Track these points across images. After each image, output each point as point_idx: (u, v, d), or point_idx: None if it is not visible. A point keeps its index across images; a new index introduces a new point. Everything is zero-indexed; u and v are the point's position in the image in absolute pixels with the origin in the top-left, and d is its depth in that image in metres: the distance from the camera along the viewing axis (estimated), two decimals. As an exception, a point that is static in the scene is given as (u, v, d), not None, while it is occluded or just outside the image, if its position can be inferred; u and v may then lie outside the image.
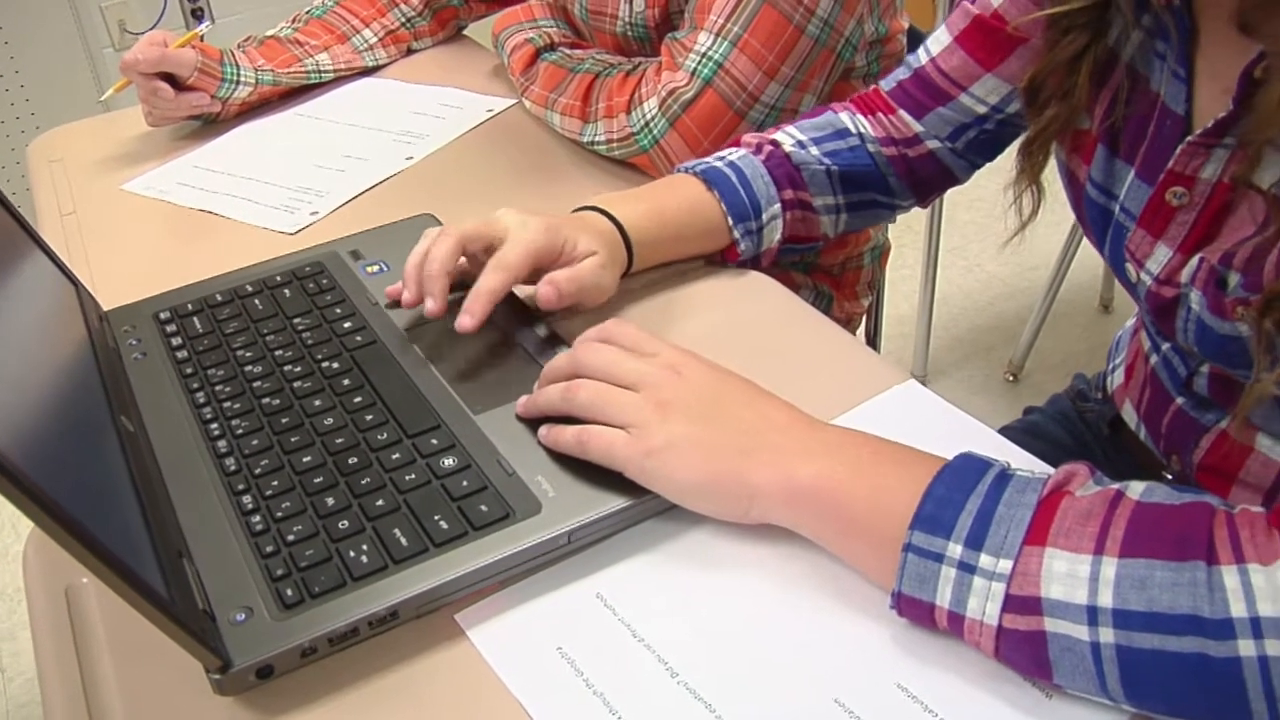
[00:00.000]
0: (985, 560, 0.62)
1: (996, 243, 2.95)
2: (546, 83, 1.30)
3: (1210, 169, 0.75)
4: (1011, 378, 2.52)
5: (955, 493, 0.65)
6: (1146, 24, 0.81)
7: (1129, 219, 0.82)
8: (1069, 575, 0.60)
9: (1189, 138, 0.75)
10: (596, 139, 1.23)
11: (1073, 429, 1.11)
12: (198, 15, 3.12)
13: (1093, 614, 0.59)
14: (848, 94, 1.15)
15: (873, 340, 1.78)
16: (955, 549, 0.63)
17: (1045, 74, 0.85)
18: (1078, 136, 0.88)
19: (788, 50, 1.15)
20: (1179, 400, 0.93)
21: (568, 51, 1.33)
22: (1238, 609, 0.57)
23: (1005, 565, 0.62)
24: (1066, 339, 2.62)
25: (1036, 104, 0.87)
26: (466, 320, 0.86)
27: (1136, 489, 0.64)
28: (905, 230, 2.86)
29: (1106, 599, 0.59)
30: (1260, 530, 0.60)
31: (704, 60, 1.15)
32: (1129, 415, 1.03)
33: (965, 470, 0.66)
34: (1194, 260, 0.77)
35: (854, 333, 1.58)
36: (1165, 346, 0.94)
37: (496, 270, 0.88)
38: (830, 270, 1.47)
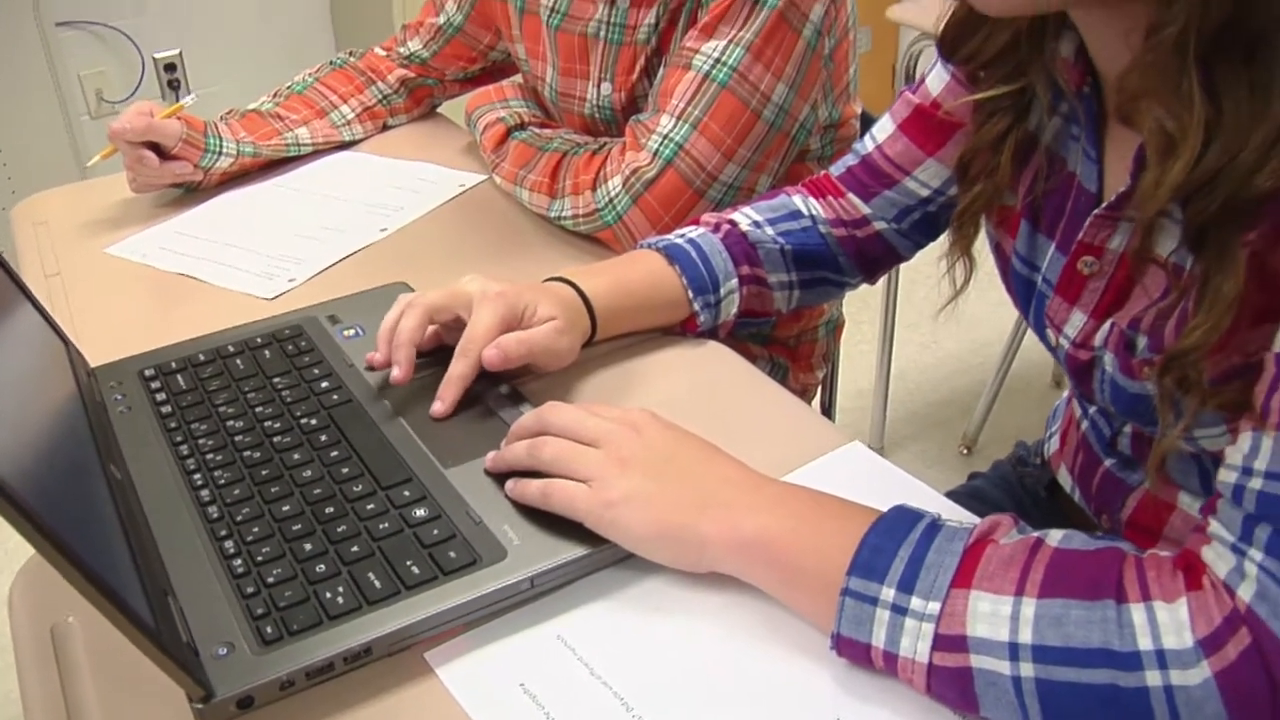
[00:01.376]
0: (916, 603, 0.68)
1: (953, 321, 3.03)
2: (516, 160, 1.36)
3: (1116, 240, 0.82)
4: (966, 450, 2.59)
5: (888, 541, 0.70)
6: (1063, 110, 0.88)
7: (1049, 288, 0.89)
8: (992, 615, 0.66)
9: (1096, 211, 0.82)
10: (563, 214, 1.29)
11: (1013, 493, 1.17)
12: (174, 86, 3.19)
13: (1014, 650, 0.65)
14: (803, 175, 1.22)
15: (828, 410, 1.84)
16: (888, 593, 0.68)
17: (973, 153, 0.93)
18: (1003, 212, 0.95)
19: (745, 133, 1.22)
20: (1107, 462, 0.99)
21: (537, 131, 1.40)
22: (1144, 643, 0.63)
23: (934, 607, 0.67)
24: (1019, 413, 2.70)
25: (966, 180, 0.94)
26: (439, 406, 0.93)
27: (1055, 536, 0.70)
28: (863, 307, 2.93)
29: (1026, 636, 0.65)
30: (1165, 572, 0.66)
31: (666, 141, 1.22)
32: (1064, 478, 1.09)
33: (898, 521, 0.72)
34: (1106, 325, 0.84)
35: (809, 403, 1.63)
36: (1092, 410, 1.00)
37: (462, 356, 0.94)
38: (786, 342, 1.53)
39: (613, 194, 1.23)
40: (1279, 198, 0.67)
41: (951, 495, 1.05)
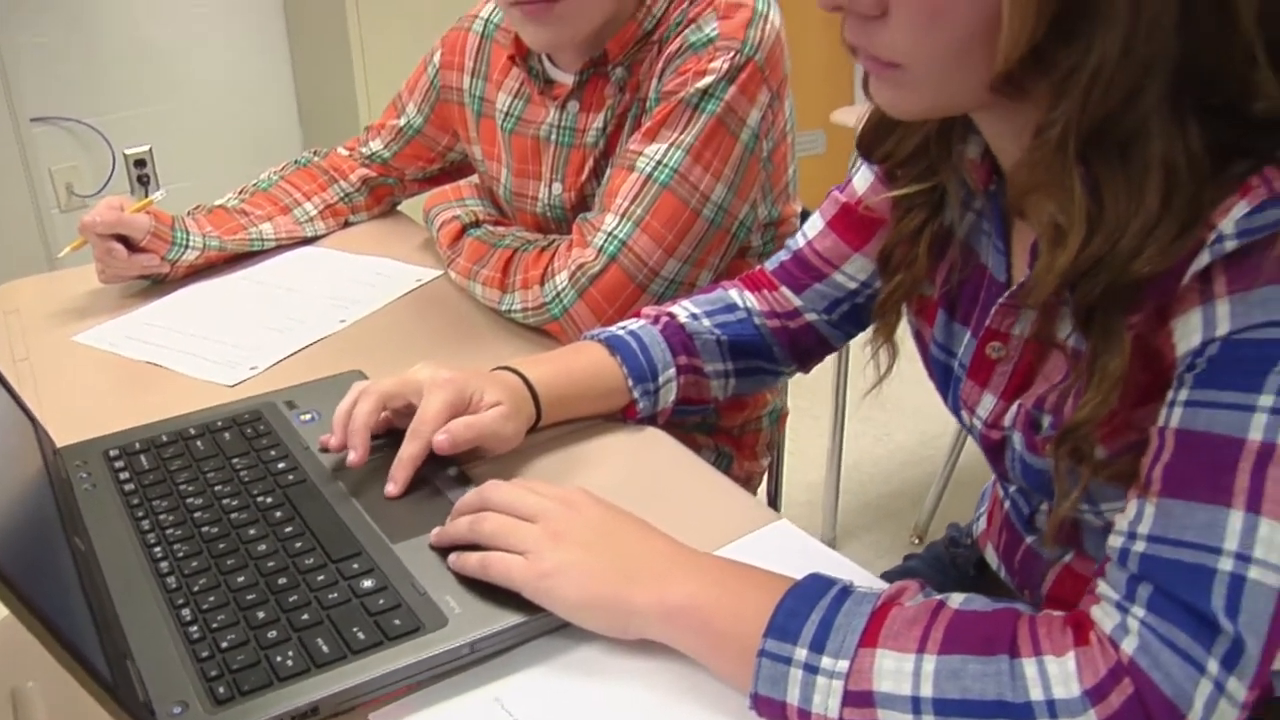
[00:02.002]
0: (826, 661, 0.73)
1: (905, 413, 3.11)
2: (470, 256, 1.43)
3: (1020, 326, 0.89)
4: (917, 540, 2.65)
5: (802, 605, 0.76)
6: (975, 206, 0.96)
7: (964, 372, 0.96)
8: (896, 671, 0.72)
9: (1000, 299, 0.90)
10: (513, 307, 1.35)
11: (944, 572, 1.23)
12: (143, 181, 3.27)
13: (916, 704, 0.71)
14: (745, 270, 1.29)
15: (774, 498, 1.89)
16: (801, 653, 0.74)
17: (893, 246, 1.01)
18: (922, 302, 1.02)
19: (685, 231, 1.29)
20: (1028, 539, 1.06)
21: (491, 228, 1.47)
22: (1036, 694, 0.69)
23: (843, 665, 0.73)
24: (968, 502, 2.74)
25: (887, 271, 1.02)
26: (392, 488, 0.99)
27: (957, 599, 0.76)
28: (816, 401, 3.01)
29: (927, 690, 0.70)
30: (1056, 629, 0.72)
31: (610, 238, 1.29)
32: (990, 557, 1.15)
33: (812, 587, 0.78)
34: (1014, 406, 0.91)
35: (754, 491, 1.69)
36: (1012, 490, 1.07)
37: (413, 439, 1.00)
38: (731, 432, 1.59)
39: (560, 288, 1.30)
40: (1157, 282, 0.74)
41: (886, 576, 1.12)
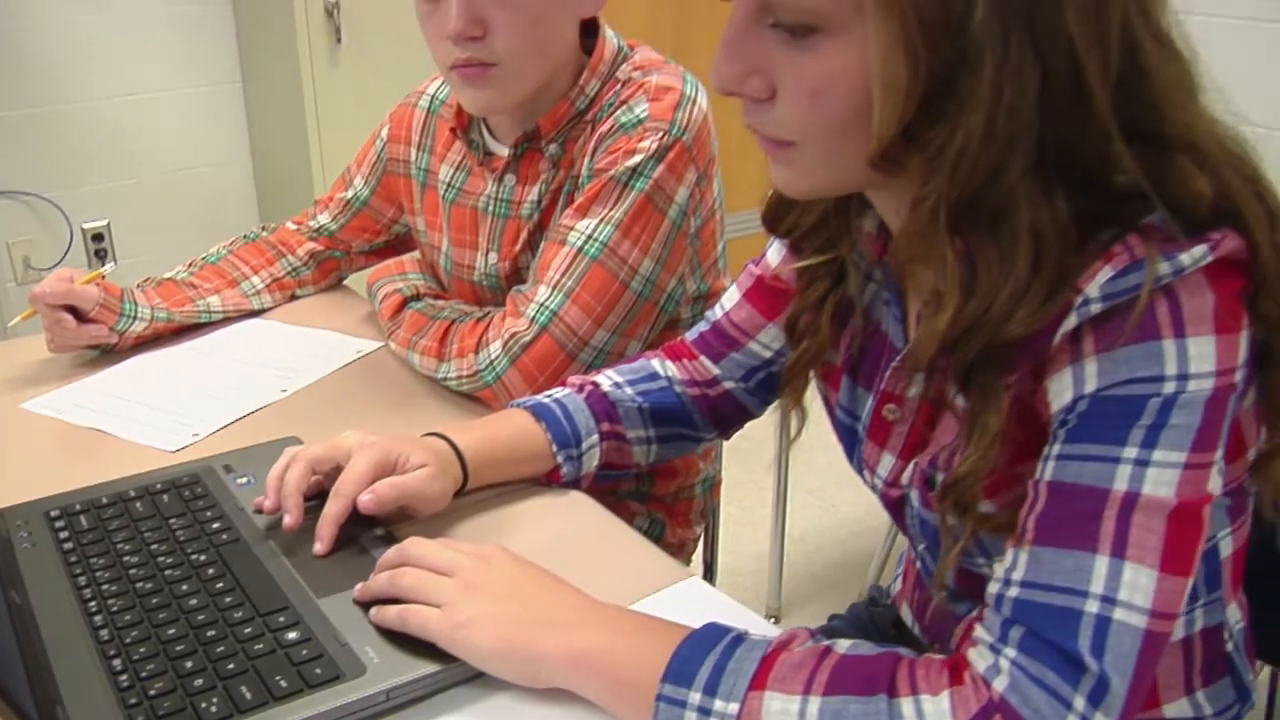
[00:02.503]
0: (719, 704, 0.79)
1: (850, 485, 3.17)
2: (410, 327, 1.49)
3: (914, 389, 0.96)
4: (859, 610, 2.70)
5: (698, 651, 0.82)
6: (876, 277, 1.03)
7: (864, 434, 1.02)
8: (783, 712, 0.77)
9: (892, 363, 0.96)
10: (449, 375, 1.41)
11: (864, 631, 1.29)
12: (100, 255, 3.31)
13: None
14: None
15: (710, 566, 1.94)
16: (695, 696, 0.79)
17: (798, 314, 1.08)
18: (828, 369, 1.09)
19: (614, 303, 1.36)
20: (939, 596, 1.11)
21: (431, 301, 1.53)
22: None
23: (734, 707, 0.78)
24: (908, 575, 2.82)
25: (794, 339, 1.09)
26: (319, 547, 1.04)
27: (843, 644, 0.82)
28: (763, 472, 3.07)
29: None
30: (933, 670, 0.78)
31: (541, 309, 1.35)
32: (906, 615, 1.21)
33: (708, 634, 0.84)
34: (910, 465, 0.97)
35: (689, 558, 1.74)
36: (921, 548, 1.13)
37: (336, 498, 1.05)
38: (664, 499, 1.64)
39: (493, 356, 1.36)
40: (1030, 344, 0.80)
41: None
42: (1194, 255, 0.77)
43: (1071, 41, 0.76)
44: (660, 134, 1.37)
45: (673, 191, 1.39)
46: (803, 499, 3.07)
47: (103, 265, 3.24)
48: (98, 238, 3.36)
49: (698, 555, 1.81)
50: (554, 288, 1.36)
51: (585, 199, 1.39)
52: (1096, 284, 0.77)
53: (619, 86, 1.45)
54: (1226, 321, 0.78)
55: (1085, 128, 0.78)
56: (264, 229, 1.78)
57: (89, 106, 3.29)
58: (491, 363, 1.36)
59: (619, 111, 1.41)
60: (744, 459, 3.04)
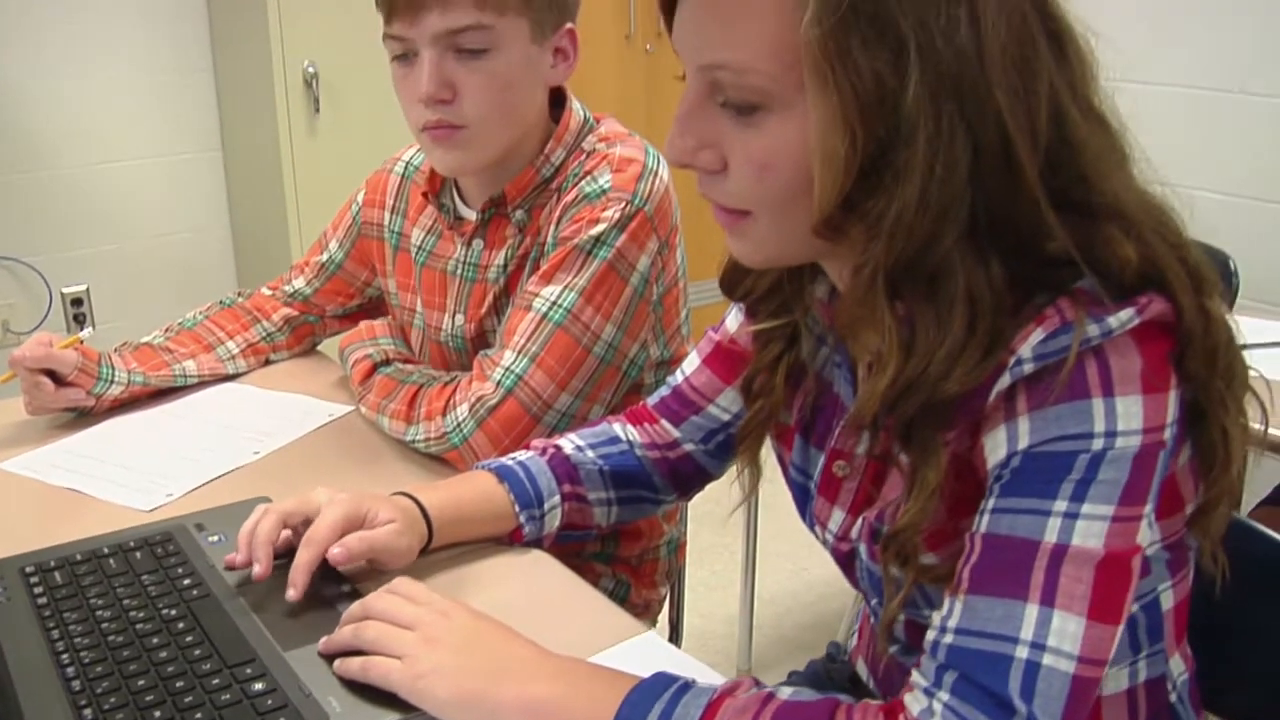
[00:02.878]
0: None
1: (823, 550, 3.20)
2: (380, 392, 1.53)
3: (863, 447, 1.01)
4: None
5: (646, 698, 0.86)
6: (829, 342, 1.08)
7: (815, 491, 1.07)
8: None
9: (841, 421, 1.01)
10: (417, 438, 1.45)
11: (821, 686, 1.32)
12: (79, 320, 3.34)
13: None
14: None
15: (676, 627, 1.96)
16: None
17: (754, 375, 1.12)
18: (782, 429, 1.14)
19: (577, 367, 1.41)
20: (891, 649, 1.15)
21: (400, 365, 1.58)
22: None
23: None
24: (875, 637, 2.85)
25: (750, 398, 1.13)
26: (292, 593, 1.07)
27: (786, 691, 0.87)
28: (736, 538, 3.11)
29: None
30: (870, 714, 0.83)
31: (507, 373, 1.40)
32: (861, 670, 1.25)
33: (656, 683, 0.88)
34: (859, 520, 1.02)
35: (654, 620, 1.78)
36: (874, 603, 1.17)
37: (308, 546, 1.09)
38: (629, 561, 1.68)
39: (460, 419, 1.40)
40: (967, 402, 0.86)
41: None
42: (1121, 318, 0.82)
43: (1000, 116, 0.82)
44: (623, 204, 1.43)
45: (635, 260, 1.44)
46: (773, 562, 3.11)
47: (81, 330, 3.29)
48: (77, 302, 3.40)
49: (664, 616, 1.85)
50: (519, 352, 1.41)
51: (550, 266, 1.44)
52: (1029, 345, 0.83)
53: (584, 157, 1.51)
54: (1154, 382, 0.83)
55: (1016, 197, 0.83)
56: (239, 295, 1.82)
57: (71, 173, 3.34)
58: (459, 425, 1.40)
59: (583, 182, 1.47)
60: (714, 523, 3.08)
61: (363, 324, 1.69)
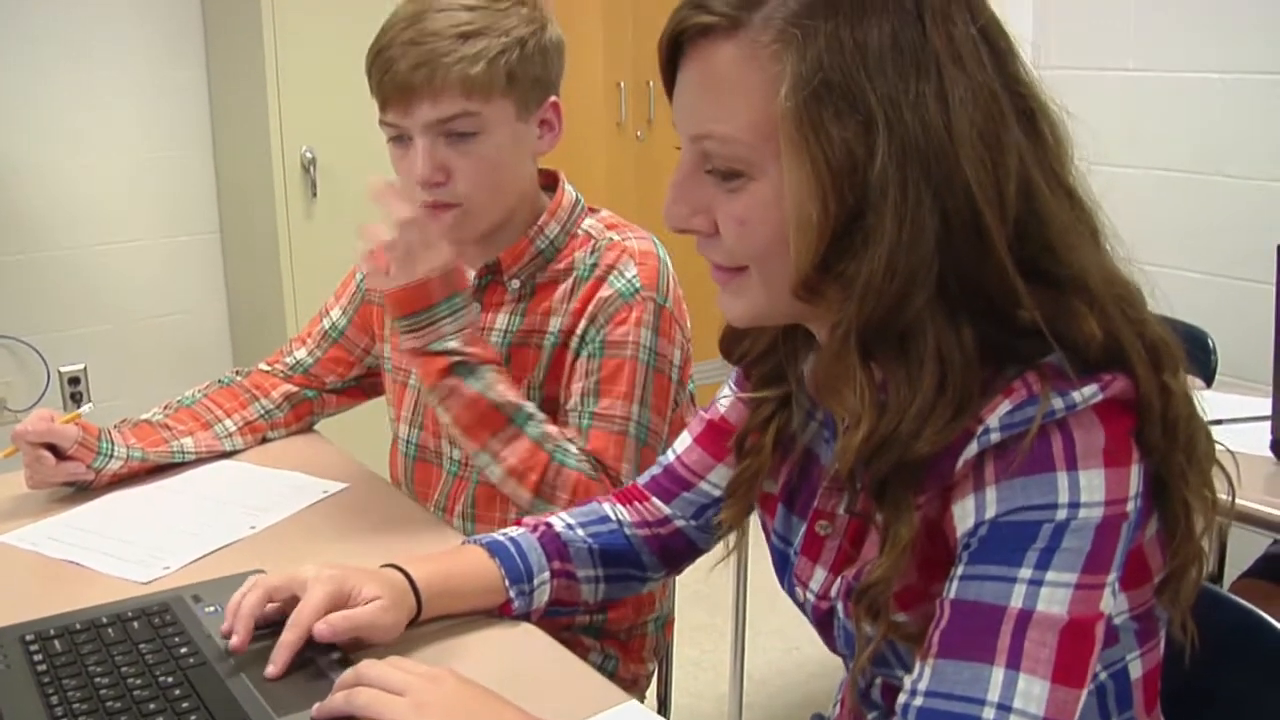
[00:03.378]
0: None
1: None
2: (488, 425, 1.51)
3: (843, 506, 1.05)
4: (816, 753, 2.73)
5: None
6: (817, 417, 1.13)
7: (796, 555, 1.11)
8: None
9: (825, 482, 1.05)
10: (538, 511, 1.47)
11: (807, 757, 1.35)
12: (76, 398, 3.38)
13: None
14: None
15: (664, 703, 1.97)
16: None
17: (745, 433, 1.17)
18: (766, 497, 1.18)
19: (647, 465, 1.46)
20: (869, 715, 1.18)
21: (491, 382, 1.52)
22: None
23: None
24: (863, 719, 2.85)
25: (740, 455, 1.18)
26: (272, 669, 1.10)
27: None
28: (726, 618, 3.12)
29: None
30: None
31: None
32: None
33: None
34: (839, 579, 1.05)
35: (642, 695, 1.79)
36: (851, 665, 1.19)
37: (292, 628, 1.11)
38: (617, 635, 1.71)
39: None
40: (936, 466, 0.90)
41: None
42: (1084, 394, 0.87)
43: (968, 187, 0.87)
44: (654, 305, 1.55)
45: (670, 355, 1.57)
46: (765, 640, 3.12)
47: (79, 407, 3.32)
48: (74, 380, 3.43)
49: (652, 692, 1.86)
50: (630, 479, 1.48)
51: (625, 385, 1.54)
52: (996, 416, 0.88)
53: (593, 246, 1.59)
54: (1116, 456, 0.88)
55: (985, 264, 0.88)
56: (237, 373, 1.86)
57: (70, 253, 3.40)
58: None
59: (611, 276, 1.56)
60: (704, 603, 3.09)
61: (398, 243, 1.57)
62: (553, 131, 1.62)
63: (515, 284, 1.61)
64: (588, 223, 1.64)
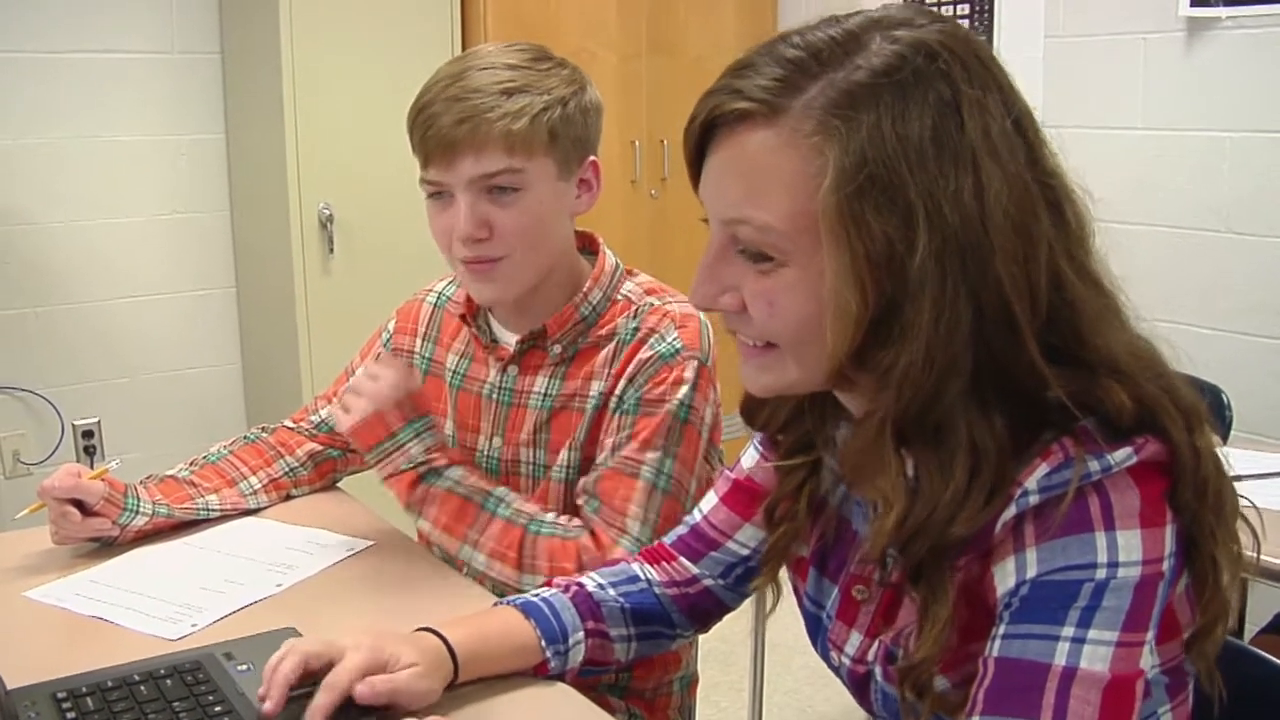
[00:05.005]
0: None
1: (828, 684, 3.20)
2: (457, 517, 1.53)
3: (880, 573, 1.05)
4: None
5: None
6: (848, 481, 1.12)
7: (830, 620, 1.11)
8: None
9: (858, 551, 1.06)
10: (537, 585, 1.42)
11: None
12: (89, 451, 3.38)
13: None
14: None
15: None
16: None
17: (776, 501, 1.17)
18: (798, 560, 1.18)
19: (673, 521, 1.46)
20: None
21: (457, 479, 1.55)
22: None
23: None
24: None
25: (772, 524, 1.18)
26: None
27: None
28: (742, 676, 3.10)
29: None
30: None
31: (636, 543, 1.48)
32: None
33: None
34: (875, 642, 1.05)
35: (666, 756, 1.78)
36: None
37: (327, 691, 1.11)
38: (643, 694, 1.69)
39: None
40: (976, 534, 0.91)
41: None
42: (1118, 457, 0.89)
43: (1000, 280, 0.88)
44: (696, 363, 1.55)
45: (703, 412, 1.56)
46: (780, 699, 3.10)
47: (93, 462, 3.32)
48: (88, 434, 3.43)
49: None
50: (643, 523, 1.51)
51: (647, 433, 1.53)
52: (1034, 478, 0.89)
53: (634, 311, 1.60)
54: (1151, 517, 0.89)
55: (1015, 354, 0.90)
56: (263, 430, 1.86)
57: (86, 307, 3.41)
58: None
59: (652, 339, 1.57)
60: (721, 661, 3.07)
61: (355, 386, 1.61)
62: (591, 192, 1.63)
63: (557, 349, 1.61)
64: (627, 287, 1.64)
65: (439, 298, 1.79)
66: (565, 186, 1.58)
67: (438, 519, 1.55)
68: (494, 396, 1.66)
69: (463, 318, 1.70)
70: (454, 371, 1.72)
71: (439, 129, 1.49)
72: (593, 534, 1.52)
